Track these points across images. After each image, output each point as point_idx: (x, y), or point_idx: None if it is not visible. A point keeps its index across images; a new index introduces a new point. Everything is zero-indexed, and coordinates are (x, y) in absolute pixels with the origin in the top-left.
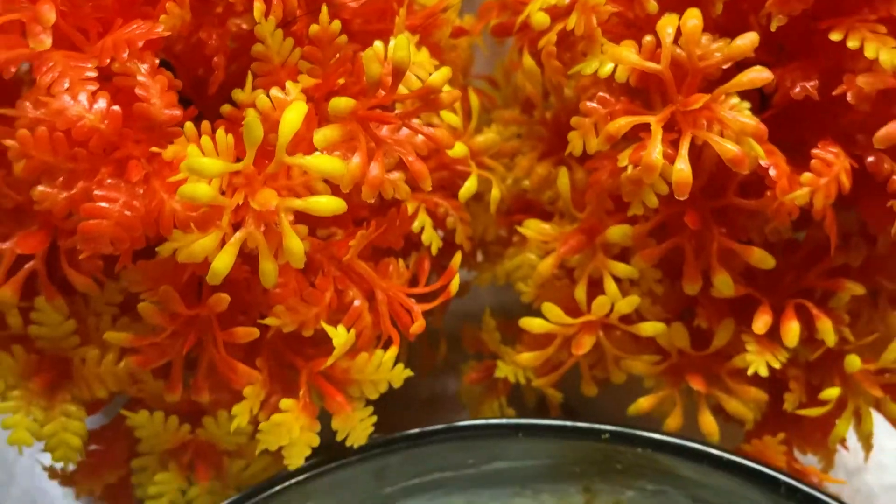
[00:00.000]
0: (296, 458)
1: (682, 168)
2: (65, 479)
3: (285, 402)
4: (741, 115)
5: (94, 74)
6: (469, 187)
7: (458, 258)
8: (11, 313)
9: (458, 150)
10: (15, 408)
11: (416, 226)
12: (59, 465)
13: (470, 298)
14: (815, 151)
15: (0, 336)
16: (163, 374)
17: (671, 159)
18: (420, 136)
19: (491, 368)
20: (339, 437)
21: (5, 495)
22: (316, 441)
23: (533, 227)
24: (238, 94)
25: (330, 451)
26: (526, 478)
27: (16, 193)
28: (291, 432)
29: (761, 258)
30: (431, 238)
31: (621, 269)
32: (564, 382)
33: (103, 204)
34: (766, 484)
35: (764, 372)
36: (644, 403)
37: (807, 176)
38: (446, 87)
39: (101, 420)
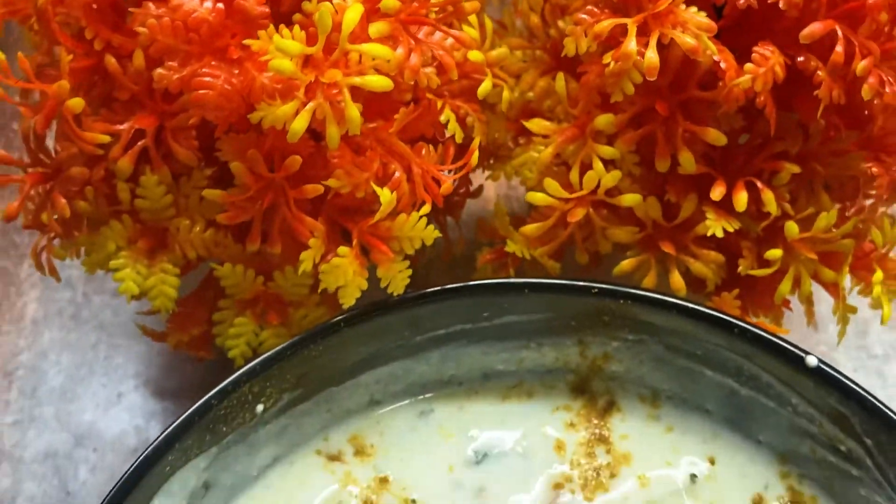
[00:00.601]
0: (349, 298)
1: (651, 56)
2: (156, 336)
3: (342, 249)
4: (697, 16)
5: None
6: (486, 86)
7: (476, 142)
8: (122, 188)
9: (477, 56)
10: (124, 264)
11: (443, 118)
12: (150, 326)
13: (481, 212)
14: (755, 48)
15: (113, 210)
16: (240, 239)
17: (644, 56)
18: (449, 39)
19: (502, 249)
20: (382, 285)
21: (87, 388)
22: (365, 285)
23: (536, 123)
24: (307, 5)
25: (373, 304)
26: (531, 332)
27: (133, 84)
28: (346, 274)
29: (716, 137)
30: (455, 129)
31: (606, 150)
32: (561, 258)
33: (208, 79)
34: (722, 327)
35: (720, 234)
36: (626, 265)
37: (749, 66)
38: None
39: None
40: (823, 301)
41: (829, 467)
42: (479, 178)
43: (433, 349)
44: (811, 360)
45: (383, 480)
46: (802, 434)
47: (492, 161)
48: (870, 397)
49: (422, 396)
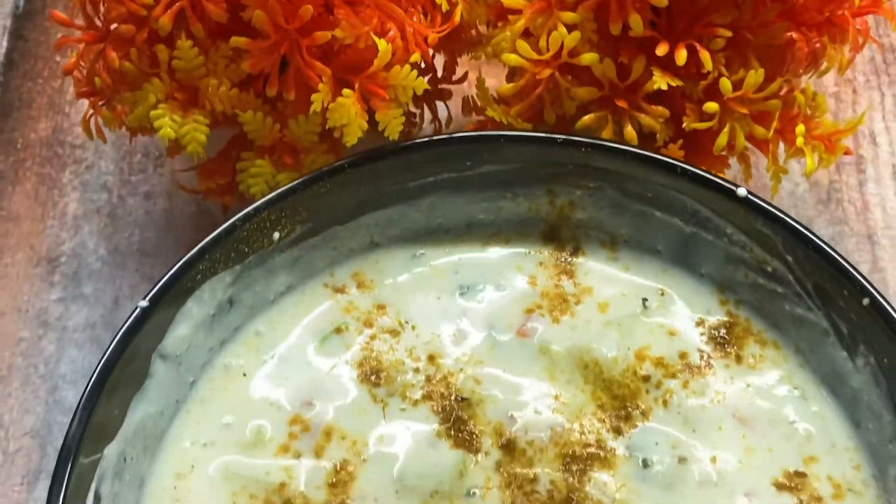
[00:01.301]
0: (351, 137)
1: None
2: (188, 190)
3: (346, 91)
4: None
5: None
6: None
7: (460, 7)
8: (161, 50)
9: None
10: (162, 114)
11: None
12: (187, 184)
13: None
14: None
15: (153, 71)
16: (260, 96)
17: None
18: None
19: (483, 120)
20: (380, 128)
21: (122, 272)
22: (365, 126)
23: (511, 0)
24: None
25: (372, 149)
26: (507, 182)
27: None
28: (349, 113)
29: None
30: (443, 1)
31: (568, 16)
32: (532, 122)
33: None
34: (668, 169)
35: (664, 86)
36: (587, 119)
37: None
38: None
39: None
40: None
41: (759, 289)
42: (463, 69)
43: (424, 196)
44: (741, 191)
45: (380, 307)
46: (737, 262)
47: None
48: (788, 218)
49: (414, 241)
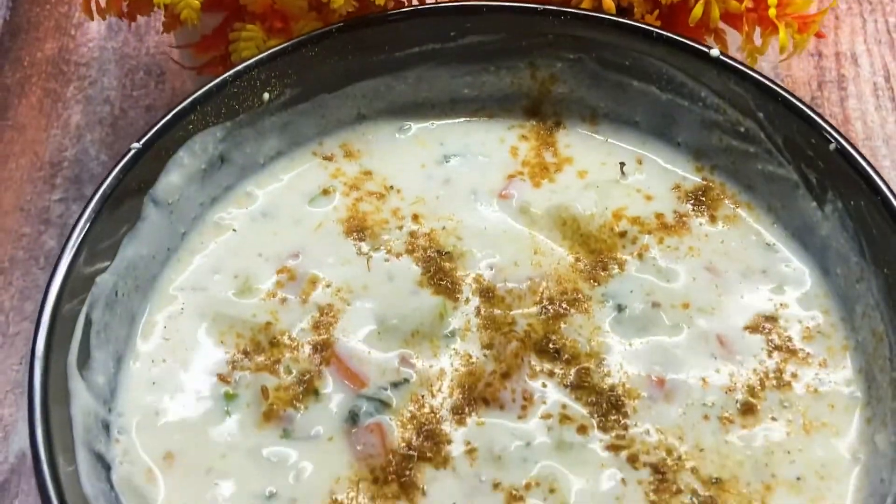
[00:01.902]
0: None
1: None
2: (184, 66)
3: None
4: None
5: None
6: None
7: None
8: None
9: None
10: None
11: None
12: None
13: None
14: None
15: None
16: None
17: None
18: None
19: None
20: None
21: None
22: None
23: None
24: None
25: (359, 16)
26: (490, 54)
27: None
28: None
29: None
30: None
31: None
32: None
33: None
34: (644, 35)
35: None
36: None
37: None
38: None
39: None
40: None
41: (732, 152)
42: None
43: (410, 68)
44: (714, 52)
45: (366, 173)
46: (711, 126)
47: None
48: (758, 75)
49: (401, 115)
